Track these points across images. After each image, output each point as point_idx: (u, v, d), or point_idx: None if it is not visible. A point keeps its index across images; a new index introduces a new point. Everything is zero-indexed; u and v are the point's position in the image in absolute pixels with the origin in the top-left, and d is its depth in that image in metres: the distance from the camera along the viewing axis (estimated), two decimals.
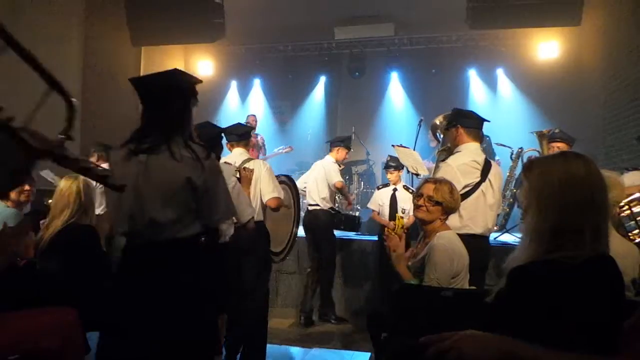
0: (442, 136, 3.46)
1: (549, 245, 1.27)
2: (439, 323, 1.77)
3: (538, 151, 4.18)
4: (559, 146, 3.95)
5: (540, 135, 4.05)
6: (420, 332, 1.30)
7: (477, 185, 2.89)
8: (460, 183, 2.79)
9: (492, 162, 3.07)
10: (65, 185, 2.78)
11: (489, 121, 3.15)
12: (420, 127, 5.33)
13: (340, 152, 4.98)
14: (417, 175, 4.22)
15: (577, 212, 1.27)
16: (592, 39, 6.85)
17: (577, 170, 1.30)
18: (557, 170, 1.31)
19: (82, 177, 2.83)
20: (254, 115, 7.69)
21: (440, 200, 2.48)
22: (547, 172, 1.32)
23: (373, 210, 5.17)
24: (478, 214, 2.86)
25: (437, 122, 3.68)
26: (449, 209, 2.51)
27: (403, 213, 4.63)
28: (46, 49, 6.04)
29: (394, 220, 4.81)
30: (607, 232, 1.30)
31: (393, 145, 4.52)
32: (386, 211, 4.98)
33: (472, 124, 3.03)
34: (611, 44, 6.26)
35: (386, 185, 5.29)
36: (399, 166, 4.97)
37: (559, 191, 1.28)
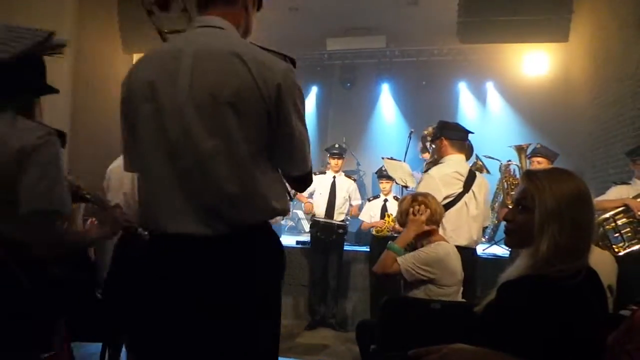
0: (431, 147, 3.52)
1: (545, 260, 1.28)
2: (427, 335, 1.77)
3: (518, 165, 4.24)
4: (539, 161, 3.99)
5: (519, 149, 4.10)
6: (409, 344, 1.31)
7: (459, 196, 2.91)
8: (442, 193, 2.83)
9: (477, 173, 3.11)
10: None
11: (472, 133, 3.21)
12: (410, 138, 5.39)
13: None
14: (405, 187, 4.26)
15: (578, 229, 1.29)
16: (580, 55, 6.98)
17: (584, 187, 1.33)
18: (569, 186, 1.32)
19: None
20: None
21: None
22: (561, 188, 1.31)
23: (363, 221, 5.20)
24: (461, 225, 2.88)
25: (426, 133, 3.74)
26: (433, 221, 2.52)
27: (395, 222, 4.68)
28: None
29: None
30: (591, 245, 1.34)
31: (383, 158, 4.56)
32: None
33: (456, 135, 3.08)
34: (598, 60, 6.37)
35: (377, 197, 5.34)
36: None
37: (577, 207, 1.30)
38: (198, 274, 1.31)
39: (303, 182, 1.47)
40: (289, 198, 1.47)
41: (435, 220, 2.50)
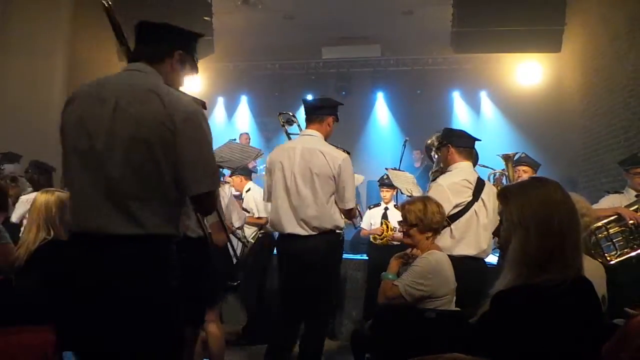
0: (436, 156, 3.43)
1: (531, 269, 1.28)
2: (422, 344, 1.77)
3: (505, 174, 4.27)
4: (524, 169, 4.01)
5: (506, 158, 4.12)
6: (404, 353, 1.31)
7: (469, 205, 2.82)
8: (451, 203, 2.74)
9: (486, 181, 3.02)
10: (40, 200, 2.68)
11: (480, 140, 3.11)
12: (405, 147, 5.38)
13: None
14: (411, 197, 4.22)
15: (558, 235, 1.29)
16: (572, 66, 7.06)
17: (554, 194, 1.34)
18: (535, 194, 1.34)
19: (57, 192, 2.76)
20: (247, 134, 7.74)
21: (413, 221, 2.45)
22: (526, 198, 1.35)
23: (363, 228, 5.18)
24: (470, 234, 2.80)
25: (429, 142, 3.66)
26: (428, 227, 2.45)
27: (394, 230, 4.68)
28: (31, 62, 6.00)
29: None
30: (581, 254, 1.34)
31: (386, 169, 4.52)
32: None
33: (463, 142, 2.99)
34: (590, 71, 6.45)
35: (377, 205, 5.32)
36: (393, 185, 4.99)
37: (540, 215, 1.31)
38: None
39: (200, 202, 1.62)
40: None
41: (430, 227, 2.45)
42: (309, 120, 2.91)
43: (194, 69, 1.77)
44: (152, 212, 1.48)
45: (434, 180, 3.07)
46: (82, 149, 1.51)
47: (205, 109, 1.70)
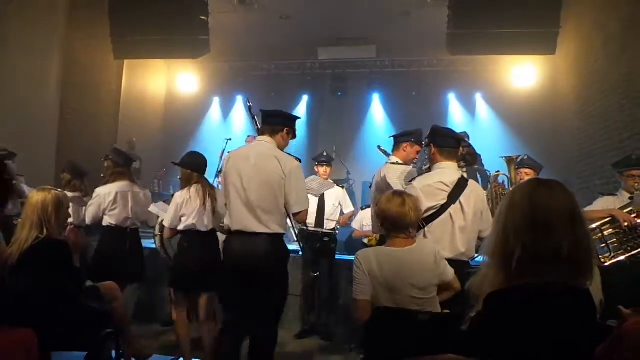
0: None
1: (522, 269, 1.27)
2: (415, 346, 1.77)
3: (507, 175, 4.27)
4: (527, 172, 4.03)
5: (509, 161, 4.12)
6: (397, 355, 1.31)
7: (443, 208, 2.79)
8: (424, 205, 2.70)
9: (471, 182, 2.95)
10: (36, 198, 2.64)
11: (464, 140, 3.09)
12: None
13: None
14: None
15: (510, 235, 1.27)
16: (567, 69, 7.10)
17: (522, 193, 1.32)
18: (522, 195, 1.32)
19: (54, 191, 2.73)
20: (253, 137, 7.70)
21: (377, 213, 2.45)
22: (514, 197, 1.34)
23: (355, 230, 5.19)
24: (445, 237, 2.76)
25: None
26: (390, 223, 2.37)
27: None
28: (27, 60, 5.97)
29: None
30: (589, 260, 1.29)
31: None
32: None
33: (445, 142, 2.96)
34: (584, 73, 6.49)
35: (369, 206, 5.32)
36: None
37: (503, 215, 1.31)
38: None
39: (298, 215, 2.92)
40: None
41: (386, 227, 2.39)
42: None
43: (294, 137, 3.05)
44: (272, 221, 2.78)
45: (410, 181, 3.05)
46: (236, 185, 2.82)
47: (300, 161, 2.91)
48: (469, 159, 3.53)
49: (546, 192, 1.30)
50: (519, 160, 3.99)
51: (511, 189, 1.32)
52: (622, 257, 3.52)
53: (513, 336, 1.21)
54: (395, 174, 3.67)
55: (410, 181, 3.03)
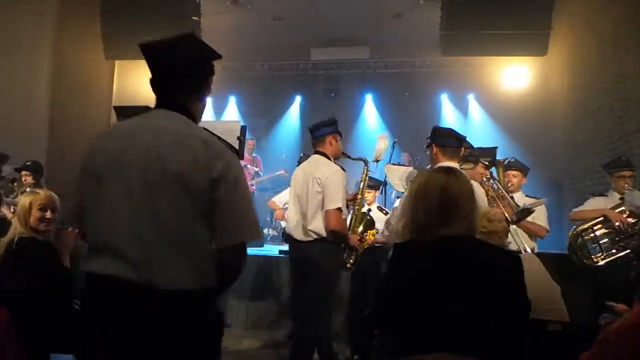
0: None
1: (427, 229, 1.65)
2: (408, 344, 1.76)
3: (495, 178, 4.32)
4: (514, 174, 4.07)
5: (497, 163, 4.18)
6: (390, 353, 1.30)
7: None
8: None
9: (473, 183, 3.00)
10: (25, 200, 2.69)
11: (465, 138, 3.09)
12: (393, 148, 5.40)
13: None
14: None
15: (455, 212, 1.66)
16: (559, 69, 7.15)
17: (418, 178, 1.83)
18: (434, 186, 1.71)
19: (43, 192, 2.75)
20: (253, 139, 7.72)
21: None
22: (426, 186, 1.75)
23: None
24: None
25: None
26: None
27: (377, 233, 4.64)
28: (16, 59, 5.91)
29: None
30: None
31: (386, 164, 4.46)
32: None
33: (447, 142, 2.98)
34: (576, 74, 6.54)
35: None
36: (375, 186, 4.98)
37: (438, 200, 1.67)
38: None
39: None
40: None
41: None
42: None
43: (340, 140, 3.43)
44: None
45: (411, 182, 3.05)
46: None
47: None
48: (472, 160, 3.54)
49: (455, 181, 1.71)
50: (506, 162, 4.03)
51: (423, 175, 1.81)
52: (613, 257, 3.55)
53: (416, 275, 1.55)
54: (396, 175, 3.67)
55: (411, 181, 3.02)
